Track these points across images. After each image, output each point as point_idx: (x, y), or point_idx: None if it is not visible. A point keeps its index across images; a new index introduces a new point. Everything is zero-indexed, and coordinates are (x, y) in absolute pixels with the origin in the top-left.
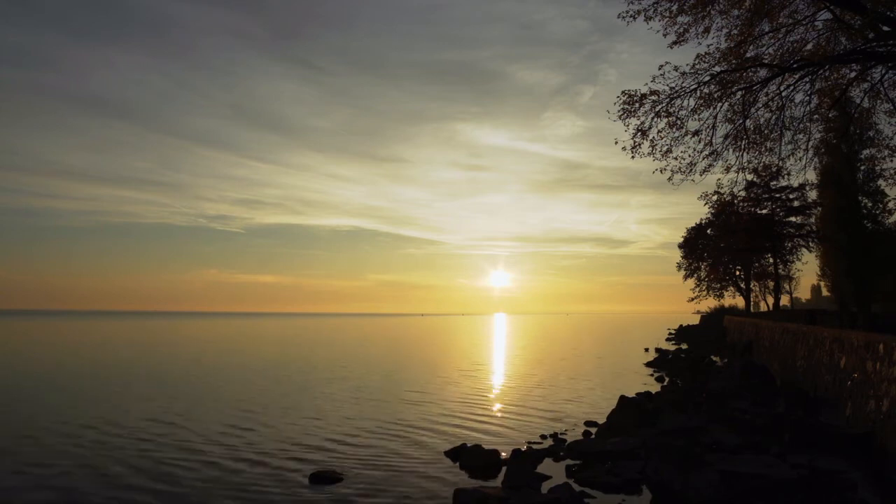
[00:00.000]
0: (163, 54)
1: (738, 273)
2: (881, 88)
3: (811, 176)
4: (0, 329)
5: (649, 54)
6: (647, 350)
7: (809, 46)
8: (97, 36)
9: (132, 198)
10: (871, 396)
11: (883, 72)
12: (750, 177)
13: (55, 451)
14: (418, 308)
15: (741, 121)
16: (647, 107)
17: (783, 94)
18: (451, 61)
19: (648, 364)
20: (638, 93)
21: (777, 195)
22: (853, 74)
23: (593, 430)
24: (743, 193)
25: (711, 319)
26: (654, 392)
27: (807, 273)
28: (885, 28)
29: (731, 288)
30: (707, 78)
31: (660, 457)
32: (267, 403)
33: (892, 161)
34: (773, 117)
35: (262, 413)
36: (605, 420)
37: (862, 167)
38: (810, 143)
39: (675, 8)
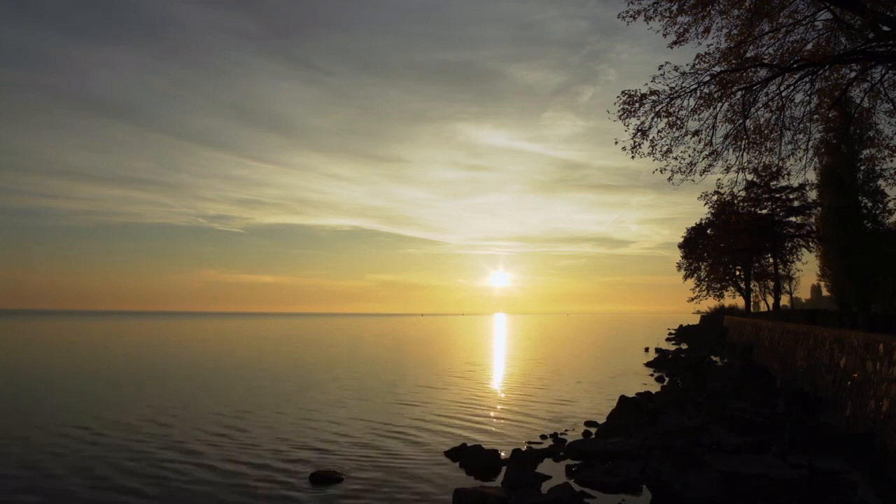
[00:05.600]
0: (163, 54)
1: (738, 273)
2: (881, 88)
3: (811, 176)
4: (0, 329)
5: (649, 54)
6: (647, 350)
7: (809, 46)
8: (97, 36)
9: (132, 198)
10: (871, 396)
11: (883, 72)
12: (750, 177)
13: (55, 451)
14: (418, 308)
15: (741, 121)
16: (647, 107)
17: (783, 94)
18: (451, 61)
19: (648, 364)
20: (638, 93)
21: (777, 195)
22: (853, 74)
23: (593, 430)
24: (743, 193)
25: (711, 319)
26: (654, 392)
27: (807, 273)
28: (885, 28)
29: (731, 288)
30: (707, 78)
31: (660, 457)
32: (267, 403)
33: (892, 161)
34: (773, 117)
35: (262, 413)
36: (605, 420)
37: (862, 167)
38: (810, 143)
39: (675, 8)
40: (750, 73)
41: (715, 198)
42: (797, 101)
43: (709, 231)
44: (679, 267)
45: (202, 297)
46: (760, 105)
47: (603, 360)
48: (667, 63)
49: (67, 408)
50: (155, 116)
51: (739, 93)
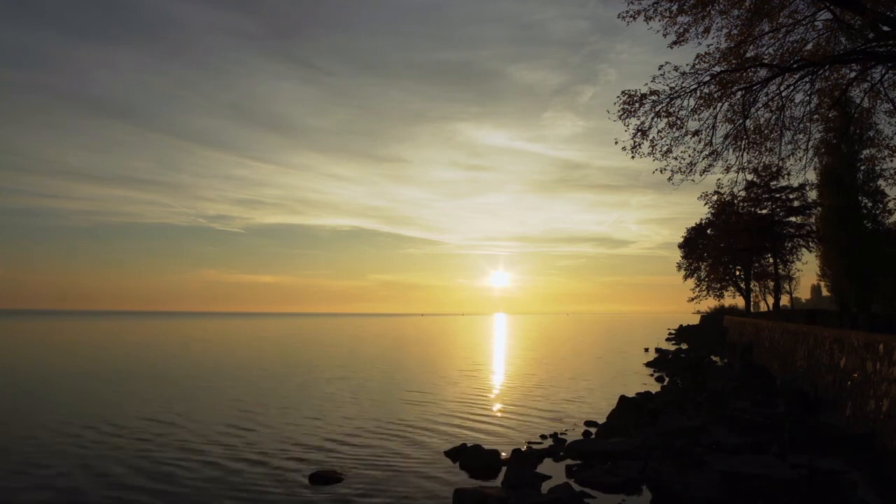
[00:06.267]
0: (163, 54)
1: (738, 273)
2: (881, 88)
3: (811, 176)
4: (0, 329)
5: (649, 54)
6: (647, 350)
7: (809, 46)
8: (97, 36)
9: (132, 198)
10: (871, 396)
11: (883, 72)
12: (750, 177)
13: (55, 451)
14: (418, 308)
15: (741, 121)
16: (647, 107)
17: (783, 94)
18: (451, 61)
19: (648, 364)
20: (638, 93)
21: (777, 195)
22: (853, 74)
23: (593, 430)
24: (743, 193)
25: (711, 319)
26: (654, 392)
27: (807, 273)
28: (885, 28)
29: (731, 288)
30: (707, 78)
31: (660, 457)
32: (267, 403)
33: (892, 161)
34: (773, 117)
35: (262, 413)
36: (605, 420)
37: (862, 167)
38: (810, 143)
39: (675, 8)
40: (750, 73)
41: (715, 198)
42: (797, 101)
43: (709, 231)
44: (679, 267)
45: (202, 297)
46: (760, 105)
47: (603, 360)
48: (667, 63)
49: (68, 407)
50: (155, 116)
51: (739, 93)
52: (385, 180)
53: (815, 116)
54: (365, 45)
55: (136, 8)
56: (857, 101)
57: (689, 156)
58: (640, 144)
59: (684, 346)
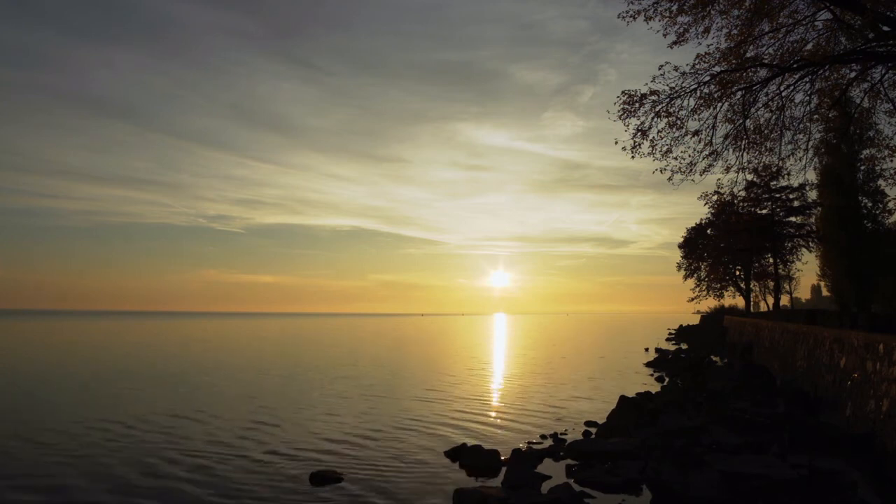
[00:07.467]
0: (163, 54)
1: (738, 273)
2: (881, 88)
3: (811, 176)
4: (0, 329)
5: (649, 54)
6: (647, 350)
7: (809, 46)
8: (97, 36)
9: (132, 198)
10: (871, 396)
11: (883, 72)
12: (750, 177)
13: (55, 450)
14: (418, 308)
15: (741, 121)
16: (647, 107)
17: (783, 94)
18: (451, 61)
19: (648, 364)
20: (638, 93)
21: (777, 195)
22: (853, 74)
23: (593, 430)
24: (743, 193)
25: (711, 319)
26: (654, 392)
27: (807, 273)
28: (885, 28)
29: (731, 288)
30: (707, 78)
31: (660, 457)
32: (266, 403)
33: (892, 161)
34: (773, 117)
35: (261, 413)
36: (605, 420)
37: (862, 167)
38: (810, 143)
39: (675, 8)
40: (750, 73)
41: (715, 198)
42: (797, 101)
43: (709, 231)
44: (679, 267)
45: (202, 297)
46: (760, 105)
47: (603, 360)
48: (667, 63)
49: (67, 408)
50: (155, 116)
51: (739, 93)
52: (385, 180)
53: (815, 116)
54: (365, 45)
55: (136, 8)
56: (857, 101)
57: (689, 156)
58: (640, 144)
59: (684, 346)
